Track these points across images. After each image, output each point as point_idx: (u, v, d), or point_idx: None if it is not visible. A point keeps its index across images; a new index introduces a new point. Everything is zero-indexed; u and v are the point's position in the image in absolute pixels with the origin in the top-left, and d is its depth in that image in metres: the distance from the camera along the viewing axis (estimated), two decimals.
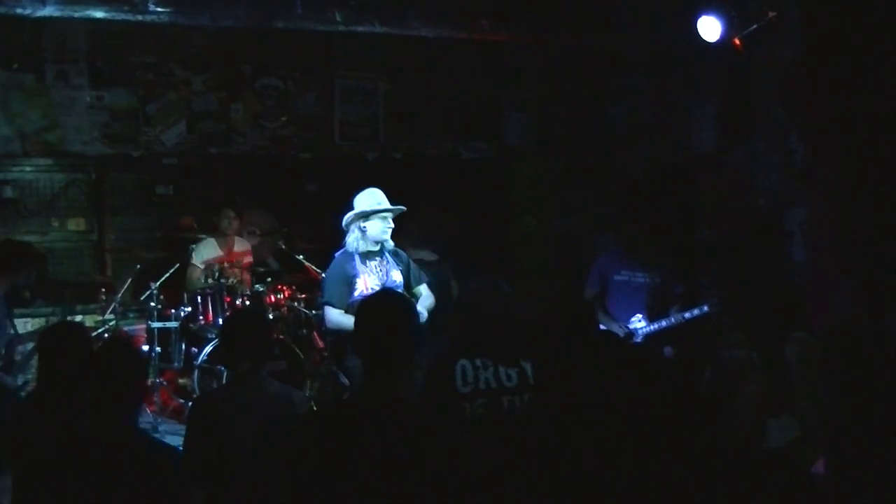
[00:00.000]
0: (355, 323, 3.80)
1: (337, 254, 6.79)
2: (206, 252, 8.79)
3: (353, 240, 6.70)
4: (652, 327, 7.06)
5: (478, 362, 4.71)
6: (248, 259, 9.09)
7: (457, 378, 4.67)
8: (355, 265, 6.61)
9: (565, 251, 10.05)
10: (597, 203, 9.88)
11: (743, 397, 5.05)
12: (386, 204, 6.70)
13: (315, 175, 10.04)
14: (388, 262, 6.69)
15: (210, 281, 8.52)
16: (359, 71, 9.50)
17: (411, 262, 6.89)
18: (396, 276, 6.71)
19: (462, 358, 4.70)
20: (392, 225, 6.73)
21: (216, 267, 8.61)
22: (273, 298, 8.72)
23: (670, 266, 7.31)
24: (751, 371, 5.20)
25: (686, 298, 7.27)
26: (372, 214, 6.62)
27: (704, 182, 8.82)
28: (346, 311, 6.39)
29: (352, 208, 6.67)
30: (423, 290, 6.85)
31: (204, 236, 8.89)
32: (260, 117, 9.26)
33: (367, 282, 6.58)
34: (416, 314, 3.98)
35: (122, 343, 5.94)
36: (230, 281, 8.47)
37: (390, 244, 6.76)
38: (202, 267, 8.71)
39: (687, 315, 7.01)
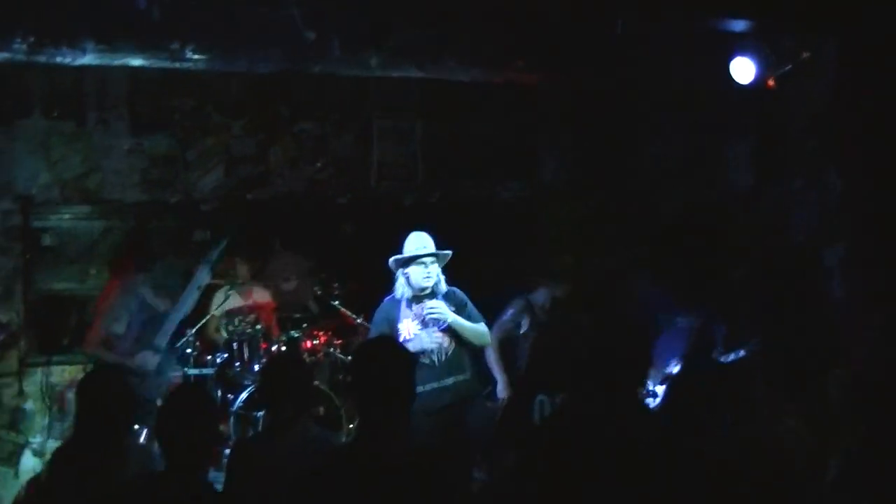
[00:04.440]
0: (351, 368, 3.82)
1: (385, 298, 6.76)
2: (224, 301, 8.76)
3: (398, 286, 6.67)
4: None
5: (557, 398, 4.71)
6: (271, 306, 9.08)
7: (534, 412, 4.68)
8: (400, 310, 6.57)
9: (601, 290, 9.96)
10: (633, 242, 9.79)
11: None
12: (430, 248, 6.66)
13: (352, 218, 10.03)
14: (434, 307, 6.61)
15: (230, 330, 8.50)
16: (395, 113, 9.51)
17: (469, 302, 6.75)
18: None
19: (541, 393, 4.72)
20: (437, 270, 6.66)
21: (236, 317, 8.59)
22: (309, 344, 8.71)
23: (711, 308, 7.24)
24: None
25: (729, 341, 7.19)
26: (412, 261, 6.59)
27: (740, 221, 8.75)
28: None
29: (400, 252, 6.66)
30: (481, 327, 6.74)
31: (224, 284, 8.91)
32: (297, 161, 9.27)
33: (410, 327, 6.54)
34: (410, 360, 3.95)
35: (195, 391, 5.76)
36: (249, 330, 8.44)
37: (442, 287, 6.67)
38: (219, 316, 8.69)
39: (727, 359, 6.93)
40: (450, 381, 6.55)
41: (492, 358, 7.60)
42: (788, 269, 8.12)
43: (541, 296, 7.89)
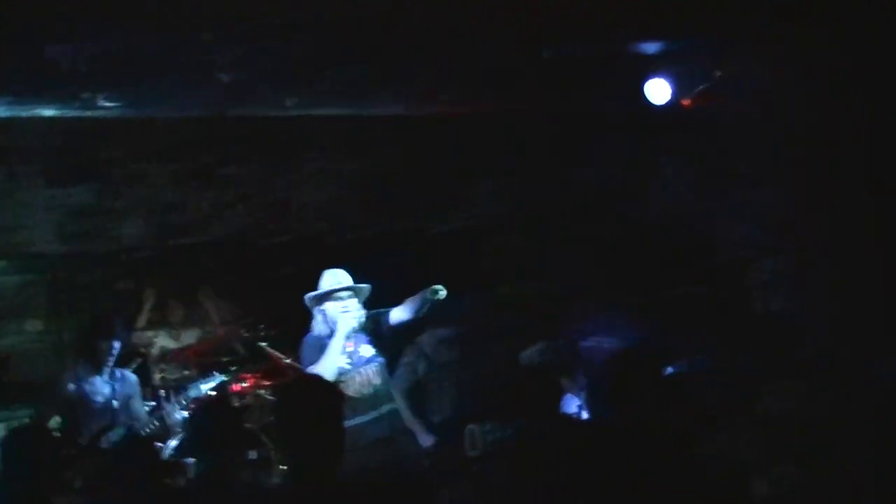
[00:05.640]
0: (276, 409, 3.85)
1: (305, 337, 6.75)
2: (161, 344, 8.74)
3: (315, 323, 6.69)
4: None
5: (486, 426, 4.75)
6: (199, 350, 9.03)
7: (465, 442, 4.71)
8: (325, 347, 6.56)
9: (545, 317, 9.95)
10: (576, 267, 9.79)
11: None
12: (345, 283, 6.67)
13: (282, 260, 9.94)
14: (357, 337, 6.65)
15: (165, 374, 8.45)
16: (322, 152, 9.44)
17: (380, 314, 6.80)
18: (365, 351, 6.69)
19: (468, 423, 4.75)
20: (355, 304, 6.67)
21: (170, 362, 8.55)
22: (238, 387, 8.63)
23: (654, 324, 7.31)
24: None
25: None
26: (326, 297, 6.61)
27: (679, 238, 8.83)
28: None
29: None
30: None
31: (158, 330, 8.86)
32: (223, 206, 9.17)
33: (338, 363, 6.54)
34: (336, 396, 3.97)
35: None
36: (181, 374, 8.40)
37: (360, 321, 6.68)
38: (155, 358, 8.65)
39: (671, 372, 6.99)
40: (385, 409, 6.62)
41: (404, 411, 7.29)
42: (728, 284, 8.21)
43: (428, 337, 7.79)
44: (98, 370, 7.25)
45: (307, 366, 6.59)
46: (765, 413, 5.51)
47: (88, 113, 7.02)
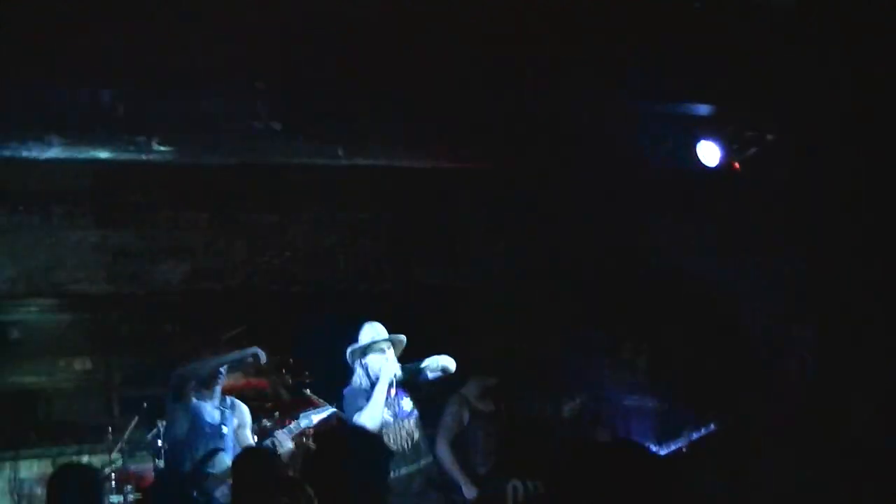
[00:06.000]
0: (319, 460, 3.82)
1: (345, 389, 6.82)
2: None
3: (357, 376, 6.77)
4: (664, 451, 6.99)
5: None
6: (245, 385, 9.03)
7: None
8: (367, 399, 6.62)
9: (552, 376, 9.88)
10: (582, 326, 9.71)
11: None
12: (385, 335, 6.78)
13: (314, 307, 9.98)
14: (398, 392, 6.71)
15: None
16: (348, 204, 9.49)
17: (416, 368, 6.90)
18: (405, 404, 6.74)
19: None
20: (393, 357, 6.79)
21: None
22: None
23: (677, 389, 7.28)
24: None
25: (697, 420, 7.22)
26: (368, 349, 6.69)
27: (700, 301, 8.77)
28: None
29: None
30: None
31: None
32: (257, 253, 9.26)
33: (380, 415, 6.63)
34: (379, 448, 3.96)
35: None
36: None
37: (398, 374, 6.77)
38: None
39: (695, 435, 6.97)
40: (423, 462, 6.68)
41: (447, 462, 7.32)
42: (749, 349, 8.15)
43: (473, 387, 7.78)
44: (209, 394, 7.07)
45: (351, 415, 6.65)
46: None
47: (142, 157, 7.08)
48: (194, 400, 6.92)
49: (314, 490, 3.66)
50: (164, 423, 8.04)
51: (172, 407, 6.96)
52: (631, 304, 9.11)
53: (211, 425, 6.92)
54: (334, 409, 7.64)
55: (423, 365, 6.86)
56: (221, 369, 7.02)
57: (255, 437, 7.47)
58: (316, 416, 7.37)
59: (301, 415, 7.54)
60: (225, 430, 7.02)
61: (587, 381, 8.36)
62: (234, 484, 4.87)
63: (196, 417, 6.88)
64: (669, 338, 8.66)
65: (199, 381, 6.94)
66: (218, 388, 7.06)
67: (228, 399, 7.23)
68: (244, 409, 7.34)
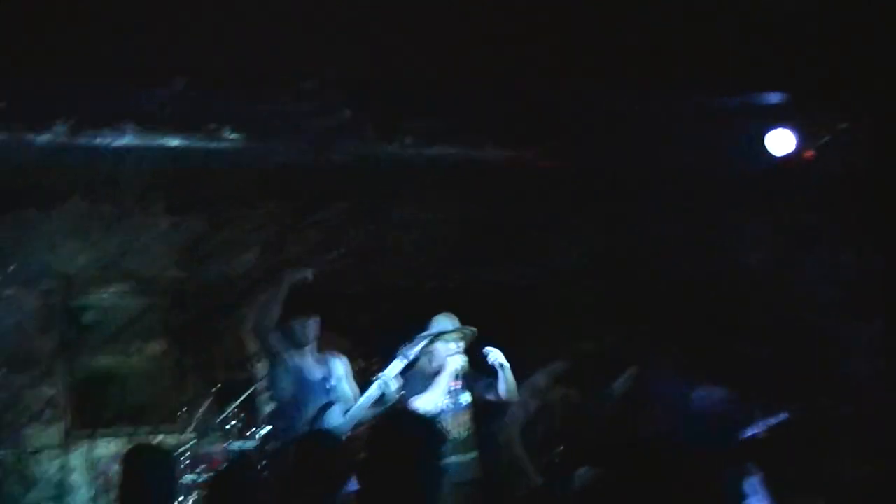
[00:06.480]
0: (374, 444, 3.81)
1: (409, 373, 6.90)
2: None
3: (422, 362, 6.84)
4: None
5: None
6: None
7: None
8: (428, 386, 6.71)
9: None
10: (650, 323, 9.65)
11: None
12: (456, 325, 6.94)
13: (370, 306, 10.01)
14: (460, 383, 6.78)
15: None
16: (410, 201, 9.49)
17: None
18: (464, 397, 6.89)
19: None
20: (460, 348, 6.86)
21: None
22: None
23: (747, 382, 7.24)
24: None
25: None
26: (438, 337, 6.74)
27: (758, 297, 8.71)
28: None
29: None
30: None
31: None
32: (316, 251, 9.32)
33: (439, 402, 6.79)
34: (433, 433, 3.96)
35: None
36: None
37: (463, 365, 6.91)
38: None
39: (772, 421, 6.95)
40: (471, 455, 6.85)
41: (516, 450, 7.61)
42: (808, 347, 8.08)
43: (541, 377, 7.86)
44: (301, 351, 7.13)
45: (410, 397, 6.73)
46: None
47: (213, 144, 7.17)
48: (295, 359, 7.00)
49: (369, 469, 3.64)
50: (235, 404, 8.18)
51: (273, 373, 7.10)
52: (700, 300, 9.09)
53: (316, 382, 7.01)
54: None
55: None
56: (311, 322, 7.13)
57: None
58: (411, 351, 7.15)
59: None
60: (331, 383, 7.09)
61: (655, 373, 8.33)
62: (297, 468, 4.89)
63: (299, 377, 6.98)
64: (737, 332, 8.62)
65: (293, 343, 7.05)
66: (311, 346, 7.13)
67: (325, 354, 7.29)
68: (343, 360, 7.37)
